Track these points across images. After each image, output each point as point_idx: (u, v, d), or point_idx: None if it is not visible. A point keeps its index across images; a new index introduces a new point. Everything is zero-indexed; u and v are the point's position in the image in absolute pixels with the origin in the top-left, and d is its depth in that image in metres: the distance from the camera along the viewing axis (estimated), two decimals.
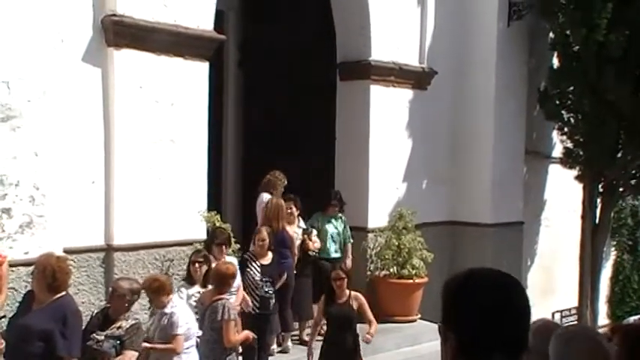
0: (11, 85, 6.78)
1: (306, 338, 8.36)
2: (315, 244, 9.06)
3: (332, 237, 9.45)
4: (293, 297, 8.68)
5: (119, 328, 6.05)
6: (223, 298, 6.83)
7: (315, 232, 9.16)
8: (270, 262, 8.15)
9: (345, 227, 9.62)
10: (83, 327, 5.90)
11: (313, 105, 10.70)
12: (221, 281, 6.89)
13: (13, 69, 6.79)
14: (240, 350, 7.36)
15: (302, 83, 10.75)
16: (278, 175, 9.14)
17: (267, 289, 7.97)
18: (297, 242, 8.92)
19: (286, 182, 9.14)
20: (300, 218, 9.16)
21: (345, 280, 7.46)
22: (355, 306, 7.42)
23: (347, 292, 7.45)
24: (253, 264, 7.99)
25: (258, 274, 7.94)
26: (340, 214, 9.62)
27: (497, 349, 1.88)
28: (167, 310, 6.37)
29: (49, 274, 5.62)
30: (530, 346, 3.50)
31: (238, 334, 6.86)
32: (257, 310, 7.82)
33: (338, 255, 9.43)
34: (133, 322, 6.18)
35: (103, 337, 6.00)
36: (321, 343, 7.63)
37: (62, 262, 5.87)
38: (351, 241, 9.71)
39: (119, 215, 7.72)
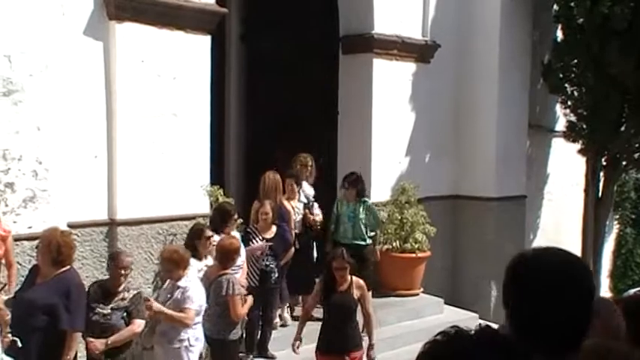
0: (13, 59, 6.76)
1: None
2: (316, 217, 9.04)
3: (346, 221, 9.21)
4: (294, 271, 8.68)
5: (123, 299, 6.11)
6: (227, 273, 6.86)
7: (316, 205, 9.11)
8: (273, 236, 8.17)
9: (367, 213, 9.25)
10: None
11: (316, 79, 10.65)
12: (225, 256, 6.91)
13: (14, 43, 6.77)
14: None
15: (305, 57, 10.70)
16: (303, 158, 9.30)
17: (267, 263, 8.00)
18: (299, 217, 8.93)
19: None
20: (302, 193, 9.10)
21: (348, 269, 6.93)
22: (357, 295, 6.95)
23: (348, 278, 6.95)
24: (256, 238, 8.01)
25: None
26: (362, 199, 9.26)
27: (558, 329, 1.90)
28: (182, 283, 6.38)
29: (54, 248, 5.66)
30: None
31: (244, 308, 6.93)
32: (257, 284, 7.85)
33: (357, 242, 9.13)
34: (135, 291, 6.23)
35: (109, 310, 6.05)
36: (318, 329, 7.13)
37: (67, 237, 5.91)
38: (377, 230, 9.38)
39: (122, 190, 7.73)
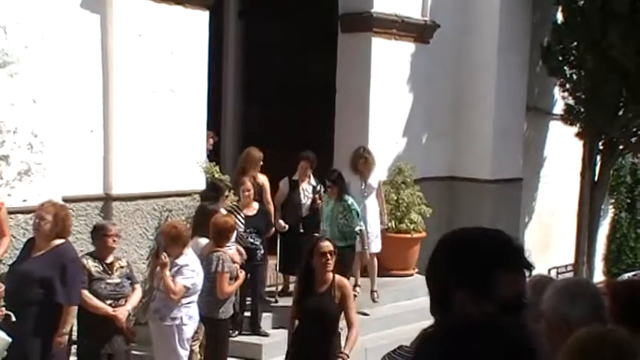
0: (8, 30, 6.68)
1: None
2: (321, 201, 8.91)
3: (324, 220, 8.68)
4: (293, 252, 8.52)
5: (122, 267, 6.21)
6: (220, 251, 6.81)
7: (322, 188, 8.97)
8: (255, 213, 8.12)
9: (346, 213, 8.59)
10: (87, 280, 5.95)
11: (314, 57, 10.58)
12: (219, 234, 6.87)
13: (10, 14, 6.69)
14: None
15: (303, 34, 10.62)
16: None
17: (252, 240, 7.95)
18: (309, 200, 8.86)
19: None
20: (313, 175, 8.98)
21: (334, 258, 5.79)
22: (338, 297, 5.77)
23: (330, 277, 5.82)
24: (238, 216, 7.91)
25: (242, 226, 7.89)
26: (342, 198, 8.60)
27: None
28: (179, 261, 6.35)
29: (50, 221, 5.63)
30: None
31: (231, 286, 6.85)
32: (244, 262, 7.80)
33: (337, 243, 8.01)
34: (122, 258, 6.40)
35: (119, 280, 6.14)
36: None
37: (63, 210, 5.90)
38: (358, 229, 8.61)
39: (118, 165, 7.68)
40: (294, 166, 9.00)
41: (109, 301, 6.02)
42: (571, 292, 2.97)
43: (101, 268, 6.07)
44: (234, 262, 7.04)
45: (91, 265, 6.04)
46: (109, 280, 6.06)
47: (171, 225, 6.64)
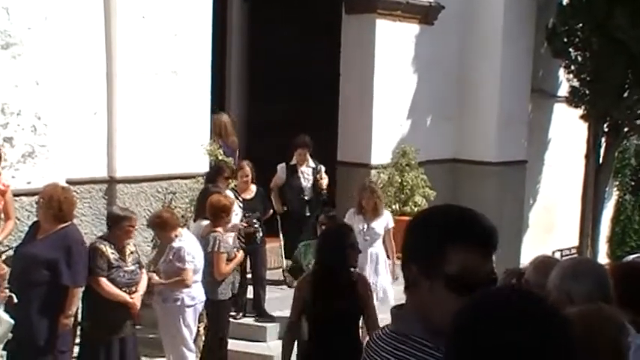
0: (11, 11, 6.65)
1: None
2: (323, 180, 8.90)
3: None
4: (297, 237, 8.54)
5: (132, 252, 6.21)
6: (217, 231, 6.82)
7: (323, 168, 8.98)
8: (253, 196, 8.12)
9: None
10: (102, 268, 5.92)
11: (318, 38, 10.53)
12: (213, 214, 6.88)
13: None
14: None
15: (307, 16, 10.55)
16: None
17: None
18: (310, 183, 8.82)
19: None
20: (310, 157, 8.94)
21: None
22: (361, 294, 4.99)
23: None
24: (236, 199, 7.92)
25: (241, 211, 7.88)
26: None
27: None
28: (175, 244, 6.38)
29: (55, 204, 5.65)
30: (530, 280, 3.54)
31: (228, 266, 6.84)
32: (243, 245, 7.80)
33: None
34: (132, 242, 6.36)
35: (133, 267, 6.15)
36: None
37: (68, 193, 5.90)
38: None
39: (121, 147, 7.68)
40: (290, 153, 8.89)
41: (124, 289, 6.04)
42: (575, 270, 2.99)
43: (117, 255, 6.06)
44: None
45: (109, 252, 6.02)
46: (126, 268, 6.08)
47: (154, 216, 6.68)
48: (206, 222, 7.03)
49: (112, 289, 5.95)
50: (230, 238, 7.12)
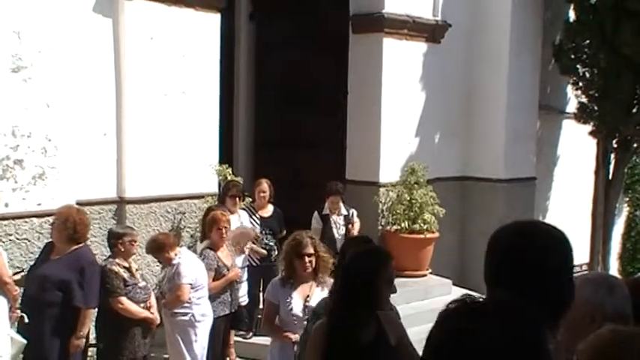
0: (22, 35, 6.72)
1: None
2: (355, 224, 8.83)
3: None
4: None
5: (137, 269, 6.35)
6: (207, 248, 6.86)
7: (355, 213, 8.89)
8: (270, 215, 8.17)
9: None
10: (121, 288, 6.00)
11: (326, 58, 10.58)
12: (206, 226, 6.97)
13: (23, 19, 6.73)
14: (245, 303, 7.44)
15: (314, 36, 10.62)
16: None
17: (267, 241, 8.02)
18: (343, 231, 8.72)
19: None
20: (343, 203, 8.80)
21: None
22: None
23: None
24: (253, 217, 8.00)
25: (258, 227, 7.97)
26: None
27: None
28: (174, 262, 6.43)
29: (70, 225, 5.71)
30: None
31: (215, 283, 6.77)
32: (258, 262, 7.85)
33: None
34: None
35: (144, 283, 6.32)
36: None
37: (82, 215, 5.97)
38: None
39: (131, 168, 7.72)
40: (322, 201, 8.77)
41: (142, 305, 6.15)
42: (609, 283, 2.92)
43: (128, 273, 6.14)
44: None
45: (122, 271, 6.09)
46: (140, 285, 6.19)
47: (149, 241, 6.68)
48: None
49: (135, 307, 6.07)
50: (235, 255, 7.16)
